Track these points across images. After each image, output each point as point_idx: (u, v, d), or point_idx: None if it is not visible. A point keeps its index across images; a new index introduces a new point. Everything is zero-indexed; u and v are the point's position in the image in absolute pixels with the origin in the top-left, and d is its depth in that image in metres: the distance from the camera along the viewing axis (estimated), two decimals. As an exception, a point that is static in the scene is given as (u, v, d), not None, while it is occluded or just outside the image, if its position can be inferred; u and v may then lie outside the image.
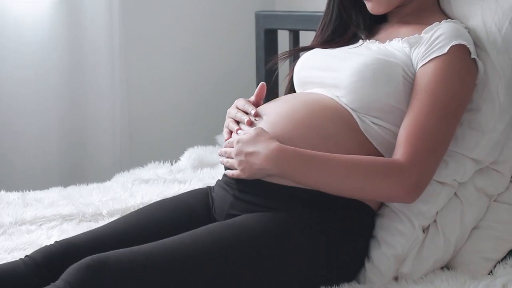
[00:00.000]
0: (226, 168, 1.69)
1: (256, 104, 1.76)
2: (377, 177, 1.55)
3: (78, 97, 2.95)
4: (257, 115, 1.69)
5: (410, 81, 1.64)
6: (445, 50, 1.61)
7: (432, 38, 1.64)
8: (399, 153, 1.57)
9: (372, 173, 1.55)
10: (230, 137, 1.71)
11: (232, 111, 1.75)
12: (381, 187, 1.56)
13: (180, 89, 3.30)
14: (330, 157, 1.57)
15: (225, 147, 1.68)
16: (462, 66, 1.62)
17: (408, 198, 1.57)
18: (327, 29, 1.86)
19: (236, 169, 1.63)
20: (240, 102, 1.75)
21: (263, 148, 1.58)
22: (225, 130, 1.75)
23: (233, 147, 1.63)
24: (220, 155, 1.69)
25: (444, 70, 1.61)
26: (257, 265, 1.52)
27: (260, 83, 1.80)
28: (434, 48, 1.63)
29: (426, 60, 1.63)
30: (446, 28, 1.65)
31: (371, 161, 1.57)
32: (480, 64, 1.65)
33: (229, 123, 1.73)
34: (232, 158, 1.63)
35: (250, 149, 1.59)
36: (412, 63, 1.66)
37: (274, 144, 1.58)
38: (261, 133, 1.60)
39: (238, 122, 1.72)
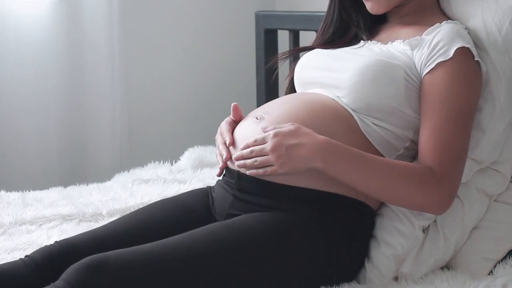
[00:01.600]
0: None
1: (239, 120, 1.74)
2: (417, 186, 1.56)
3: (78, 97, 2.95)
4: (231, 144, 1.67)
5: (412, 83, 1.64)
6: (451, 54, 1.61)
7: (434, 41, 1.64)
8: (431, 164, 1.57)
9: (413, 181, 1.56)
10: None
11: (218, 139, 1.73)
12: (419, 196, 1.56)
13: (180, 89, 3.30)
14: (375, 159, 1.57)
15: (242, 149, 1.60)
16: (469, 70, 1.63)
17: (441, 209, 1.59)
18: (328, 30, 1.86)
19: (269, 166, 1.56)
20: (222, 128, 1.73)
21: (309, 140, 1.55)
22: (218, 154, 1.70)
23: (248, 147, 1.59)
24: (236, 160, 1.61)
25: (453, 77, 1.61)
26: (257, 265, 1.52)
27: (232, 105, 1.75)
28: (439, 53, 1.63)
29: (432, 66, 1.62)
30: (447, 30, 1.65)
31: (410, 167, 1.57)
32: (483, 66, 1.66)
33: (219, 146, 1.71)
34: (261, 156, 1.56)
35: (292, 141, 1.55)
36: (415, 66, 1.65)
37: (321, 137, 1.56)
38: (300, 126, 1.57)
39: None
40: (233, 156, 1.62)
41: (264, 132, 1.59)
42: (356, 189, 1.58)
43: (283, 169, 1.55)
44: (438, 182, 1.56)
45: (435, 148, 1.58)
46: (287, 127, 1.57)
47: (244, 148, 1.60)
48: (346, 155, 1.56)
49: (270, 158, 1.55)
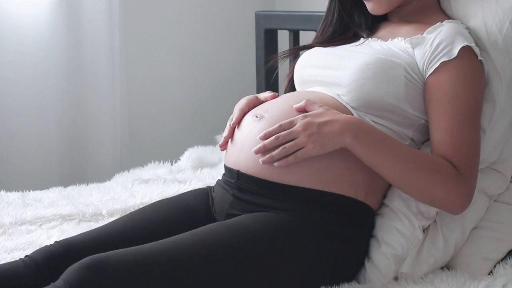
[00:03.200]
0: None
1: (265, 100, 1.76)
2: (439, 177, 1.56)
3: (78, 97, 2.95)
4: (235, 124, 1.69)
5: (413, 82, 1.64)
6: (455, 53, 1.61)
7: (437, 41, 1.64)
8: (453, 162, 1.58)
9: (436, 172, 1.56)
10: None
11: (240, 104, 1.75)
12: (439, 189, 1.56)
13: (180, 89, 3.30)
14: (402, 145, 1.59)
15: (263, 139, 1.58)
16: (474, 69, 1.63)
17: (460, 208, 1.59)
18: (327, 30, 1.86)
19: (301, 148, 1.54)
20: (241, 103, 1.75)
21: (340, 117, 1.56)
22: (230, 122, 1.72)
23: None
24: (258, 153, 1.57)
25: (459, 76, 1.61)
26: (257, 265, 1.52)
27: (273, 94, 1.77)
28: (442, 52, 1.62)
29: (436, 66, 1.62)
30: (449, 29, 1.65)
31: (437, 160, 1.58)
32: (485, 65, 1.66)
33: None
34: (289, 141, 1.55)
35: (323, 119, 1.56)
36: (417, 64, 1.65)
37: (350, 115, 1.58)
38: (328, 108, 1.59)
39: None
40: (254, 149, 1.59)
41: (296, 110, 1.60)
42: (380, 172, 1.57)
43: (315, 147, 1.55)
44: (460, 180, 1.56)
45: (454, 147, 1.58)
46: (317, 108, 1.59)
47: (265, 137, 1.59)
48: (375, 134, 1.57)
49: (301, 139, 1.55)
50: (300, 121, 1.56)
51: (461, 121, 1.59)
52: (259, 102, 1.75)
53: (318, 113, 1.58)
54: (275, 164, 1.57)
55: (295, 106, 1.62)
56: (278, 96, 1.76)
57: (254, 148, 1.59)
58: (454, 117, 1.59)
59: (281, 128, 1.58)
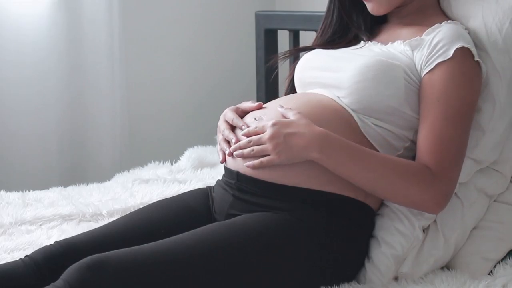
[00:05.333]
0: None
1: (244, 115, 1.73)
2: (412, 181, 1.56)
3: (78, 97, 2.95)
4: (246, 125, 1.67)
5: (413, 84, 1.64)
6: (450, 54, 1.61)
7: (434, 41, 1.64)
8: (428, 163, 1.58)
9: (409, 177, 1.56)
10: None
11: (220, 126, 1.72)
12: (414, 193, 1.56)
13: (180, 89, 3.30)
14: (372, 153, 1.58)
15: (243, 135, 1.61)
16: (469, 70, 1.63)
17: (436, 208, 1.59)
18: (327, 31, 1.86)
19: (266, 155, 1.57)
20: (229, 115, 1.72)
21: (308, 130, 1.56)
22: (220, 141, 1.70)
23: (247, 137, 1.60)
24: (234, 150, 1.62)
25: (453, 76, 1.61)
26: (257, 265, 1.52)
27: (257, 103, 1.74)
28: (438, 53, 1.62)
29: (432, 66, 1.62)
30: (447, 30, 1.65)
31: (407, 164, 1.58)
32: (483, 66, 1.66)
33: (224, 131, 1.70)
34: (259, 145, 1.57)
35: (291, 130, 1.56)
36: (415, 66, 1.65)
37: (319, 128, 1.57)
38: (301, 117, 1.58)
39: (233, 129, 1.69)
40: (231, 148, 1.64)
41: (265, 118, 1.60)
42: (351, 181, 1.58)
43: (280, 158, 1.56)
44: (435, 181, 1.56)
45: (433, 147, 1.58)
46: (290, 116, 1.58)
47: (245, 134, 1.62)
48: (343, 147, 1.56)
49: (267, 146, 1.56)
50: (269, 129, 1.57)
51: (447, 119, 1.59)
52: (243, 112, 1.73)
53: (289, 122, 1.57)
54: (245, 164, 1.60)
55: (280, 110, 1.62)
56: (263, 106, 1.74)
57: (231, 147, 1.63)
58: (440, 116, 1.59)
59: (255, 131, 1.60)
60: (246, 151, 1.60)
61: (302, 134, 1.55)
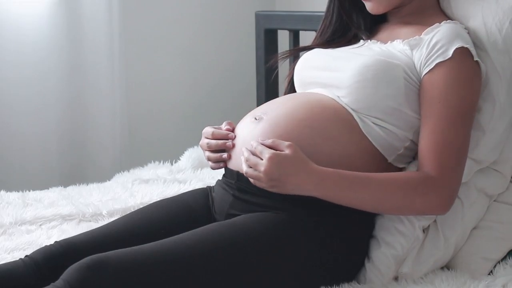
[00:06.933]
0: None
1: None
2: (415, 194, 1.56)
3: (78, 97, 2.95)
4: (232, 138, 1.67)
5: (412, 83, 1.64)
6: (449, 54, 1.61)
7: (433, 41, 1.64)
8: (428, 167, 1.58)
9: (410, 191, 1.56)
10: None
11: (203, 142, 1.72)
12: (419, 204, 1.57)
13: (180, 89, 3.30)
14: (369, 177, 1.57)
15: (249, 153, 1.57)
16: (468, 70, 1.63)
17: (444, 210, 1.59)
18: (327, 31, 1.86)
19: (260, 180, 1.55)
20: (210, 131, 1.71)
21: (303, 169, 1.53)
22: (209, 156, 1.70)
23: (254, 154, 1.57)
24: (246, 163, 1.57)
25: (452, 77, 1.61)
26: (258, 265, 1.52)
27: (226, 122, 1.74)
28: (438, 53, 1.62)
29: (431, 66, 1.62)
30: (446, 30, 1.65)
31: (406, 179, 1.58)
32: (482, 66, 1.66)
33: (210, 143, 1.70)
34: (258, 170, 1.54)
35: (286, 169, 1.53)
36: (415, 66, 1.65)
37: (314, 166, 1.54)
38: (297, 151, 1.54)
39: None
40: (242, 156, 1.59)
41: (262, 143, 1.56)
42: (356, 208, 1.58)
43: (272, 190, 1.55)
44: (437, 186, 1.56)
45: (435, 151, 1.58)
46: (285, 149, 1.54)
47: (246, 151, 1.58)
48: (339, 181, 1.55)
49: (262, 178, 1.54)
50: (265, 161, 1.53)
51: (449, 123, 1.59)
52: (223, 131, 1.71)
53: (284, 159, 1.53)
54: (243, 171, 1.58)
55: (262, 142, 1.57)
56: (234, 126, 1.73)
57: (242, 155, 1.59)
58: (442, 118, 1.59)
59: (254, 151, 1.56)
60: (246, 165, 1.57)
61: (297, 173, 1.53)
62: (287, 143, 1.55)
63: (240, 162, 1.62)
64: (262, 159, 1.54)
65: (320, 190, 1.54)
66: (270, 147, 1.55)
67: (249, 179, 1.57)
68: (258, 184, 1.56)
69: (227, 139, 1.68)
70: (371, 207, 1.59)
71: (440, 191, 1.57)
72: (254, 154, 1.56)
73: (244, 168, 1.57)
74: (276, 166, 1.53)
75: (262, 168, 1.53)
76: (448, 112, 1.59)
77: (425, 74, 1.63)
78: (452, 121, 1.59)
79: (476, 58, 1.64)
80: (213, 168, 1.71)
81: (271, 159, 1.53)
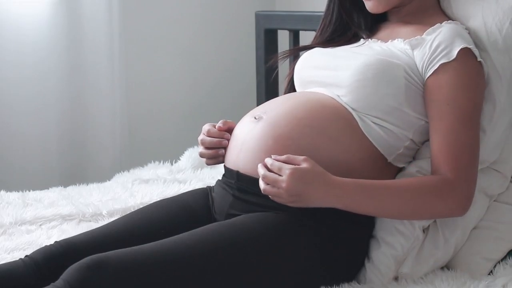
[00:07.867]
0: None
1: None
2: (435, 198, 1.56)
3: (78, 97, 2.95)
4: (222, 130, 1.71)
5: (413, 83, 1.64)
6: (454, 55, 1.61)
7: (436, 42, 1.64)
8: (445, 169, 1.58)
9: (429, 196, 1.56)
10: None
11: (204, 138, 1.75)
12: (440, 207, 1.57)
13: (180, 89, 3.30)
14: (387, 185, 1.57)
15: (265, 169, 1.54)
16: (473, 71, 1.63)
17: (463, 211, 1.60)
18: (327, 30, 1.86)
19: (280, 197, 1.52)
20: (206, 128, 1.75)
21: (323, 182, 1.52)
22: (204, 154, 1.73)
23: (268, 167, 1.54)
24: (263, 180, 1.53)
25: (458, 78, 1.61)
26: (257, 265, 1.52)
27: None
28: (441, 54, 1.62)
29: (435, 67, 1.62)
30: (448, 31, 1.65)
31: (424, 183, 1.58)
32: (485, 66, 1.66)
33: (204, 139, 1.73)
34: (278, 187, 1.51)
35: (306, 185, 1.51)
36: (416, 66, 1.65)
37: (333, 178, 1.53)
38: (314, 165, 1.52)
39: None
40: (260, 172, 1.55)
41: (276, 159, 1.53)
42: (376, 216, 1.60)
43: (292, 205, 1.53)
44: (454, 188, 1.57)
45: (449, 154, 1.58)
46: (301, 163, 1.52)
47: (262, 167, 1.54)
48: (359, 191, 1.55)
49: (283, 194, 1.51)
50: (286, 178, 1.50)
51: (460, 124, 1.59)
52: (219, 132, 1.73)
53: (305, 173, 1.51)
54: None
55: (275, 158, 1.54)
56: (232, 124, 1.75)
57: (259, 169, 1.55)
58: (452, 120, 1.59)
59: (271, 167, 1.52)
60: (267, 188, 1.53)
61: (318, 187, 1.52)
62: (302, 157, 1.53)
63: (241, 161, 1.62)
64: (281, 175, 1.52)
65: (343, 201, 1.54)
66: (285, 162, 1.53)
67: (269, 196, 1.54)
68: (278, 200, 1.53)
69: (222, 138, 1.71)
70: (392, 214, 1.59)
71: (458, 192, 1.57)
72: (270, 171, 1.54)
73: (261, 186, 1.54)
74: (297, 181, 1.51)
75: (283, 185, 1.51)
76: (458, 114, 1.59)
77: (429, 76, 1.63)
78: (462, 123, 1.59)
79: (479, 59, 1.64)
80: (207, 164, 1.74)
81: (291, 174, 1.50)
